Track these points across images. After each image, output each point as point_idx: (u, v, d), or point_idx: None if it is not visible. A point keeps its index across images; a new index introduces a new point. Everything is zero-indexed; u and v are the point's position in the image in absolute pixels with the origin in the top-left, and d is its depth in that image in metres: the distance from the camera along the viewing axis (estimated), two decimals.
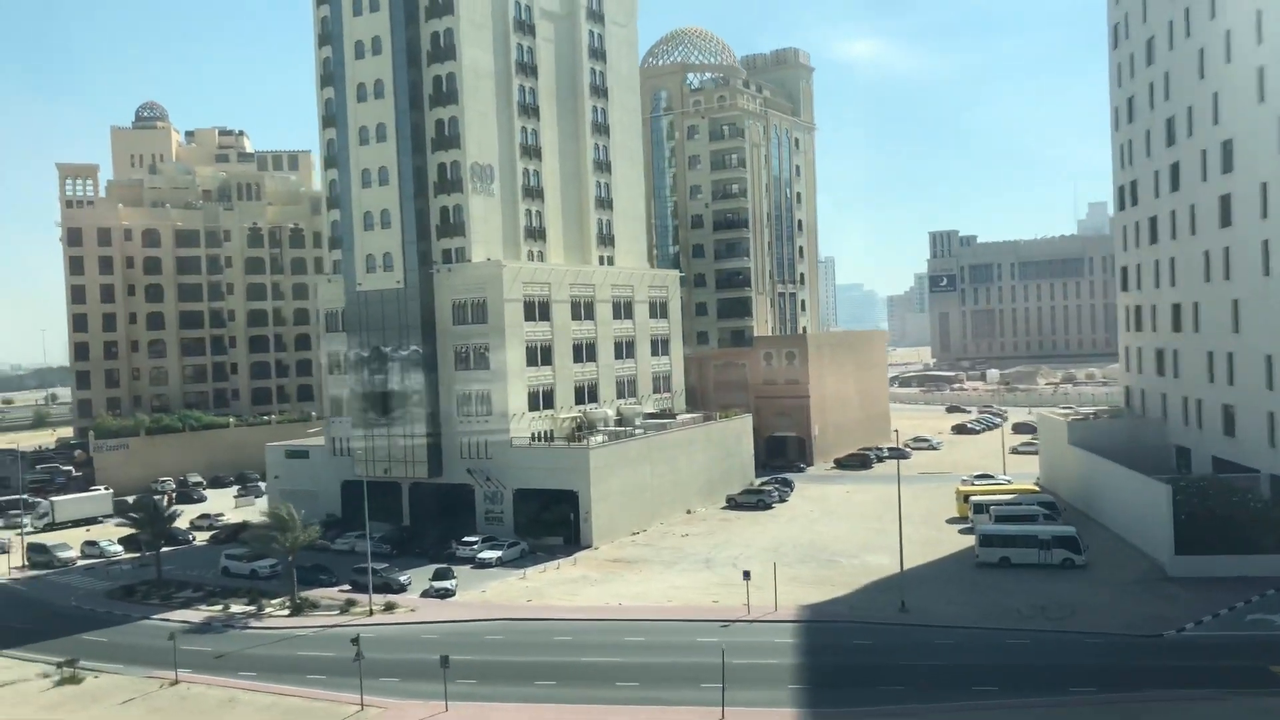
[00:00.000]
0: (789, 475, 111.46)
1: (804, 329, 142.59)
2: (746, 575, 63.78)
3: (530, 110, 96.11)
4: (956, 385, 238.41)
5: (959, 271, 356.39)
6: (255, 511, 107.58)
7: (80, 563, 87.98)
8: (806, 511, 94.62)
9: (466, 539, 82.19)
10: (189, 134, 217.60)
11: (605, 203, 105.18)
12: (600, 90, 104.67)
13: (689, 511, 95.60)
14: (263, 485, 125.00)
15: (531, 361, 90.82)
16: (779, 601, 62.92)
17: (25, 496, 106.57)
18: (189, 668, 56.17)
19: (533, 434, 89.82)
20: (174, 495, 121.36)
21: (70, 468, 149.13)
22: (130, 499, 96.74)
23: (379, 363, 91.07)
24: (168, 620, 68.00)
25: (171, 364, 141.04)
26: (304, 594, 69.83)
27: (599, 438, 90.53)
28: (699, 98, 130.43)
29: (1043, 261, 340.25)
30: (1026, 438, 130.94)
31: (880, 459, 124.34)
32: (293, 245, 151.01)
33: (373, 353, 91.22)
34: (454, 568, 74.91)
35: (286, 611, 67.97)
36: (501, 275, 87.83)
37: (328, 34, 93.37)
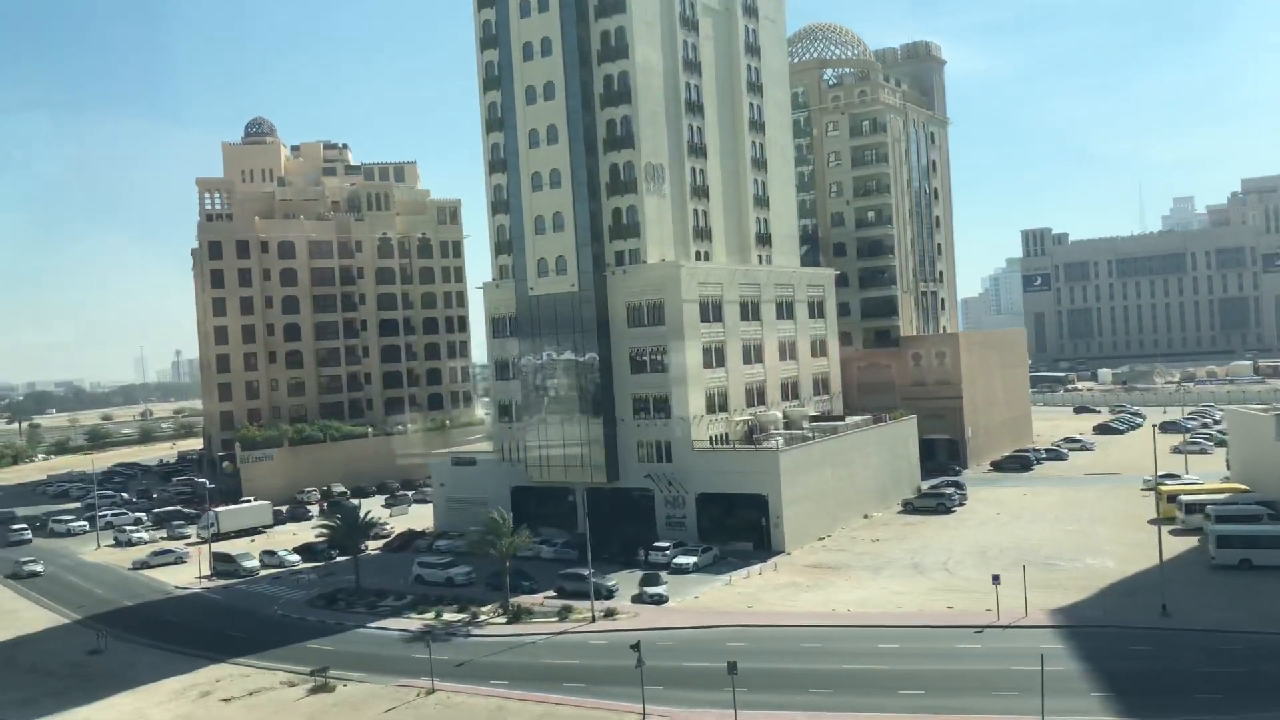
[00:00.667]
0: (956, 479, 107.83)
1: (944, 328, 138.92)
2: (996, 579, 60.92)
3: (696, 108, 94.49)
4: (1070, 386, 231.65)
5: (1053, 270, 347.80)
6: (409, 520, 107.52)
7: (263, 572, 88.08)
8: (991, 515, 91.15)
9: (658, 544, 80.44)
10: (294, 148, 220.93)
11: (763, 201, 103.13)
12: (756, 87, 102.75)
13: (866, 516, 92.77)
14: (409, 494, 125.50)
15: (707, 363, 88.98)
16: (1025, 607, 59.97)
17: (210, 509, 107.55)
18: (433, 676, 55.03)
19: (710, 437, 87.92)
20: (323, 505, 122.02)
21: (204, 479, 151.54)
22: (314, 507, 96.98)
23: (553, 367, 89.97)
24: (384, 629, 67.40)
25: (309, 375, 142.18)
26: (514, 600, 68.64)
27: (777, 440, 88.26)
28: (838, 93, 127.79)
29: (1141, 258, 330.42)
30: (1183, 437, 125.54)
31: (1039, 460, 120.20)
32: (420, 255, 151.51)
33: (546, 357, 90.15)
34: (653, 574, 73.10)
35: (503, 619, 66.75)
36: (679, 276, 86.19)
37: (492, 37, 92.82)
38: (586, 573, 72.74)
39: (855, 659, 53.96)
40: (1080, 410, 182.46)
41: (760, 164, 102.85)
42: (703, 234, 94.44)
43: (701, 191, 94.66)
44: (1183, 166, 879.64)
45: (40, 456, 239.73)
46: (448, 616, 68.47)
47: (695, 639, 59.45)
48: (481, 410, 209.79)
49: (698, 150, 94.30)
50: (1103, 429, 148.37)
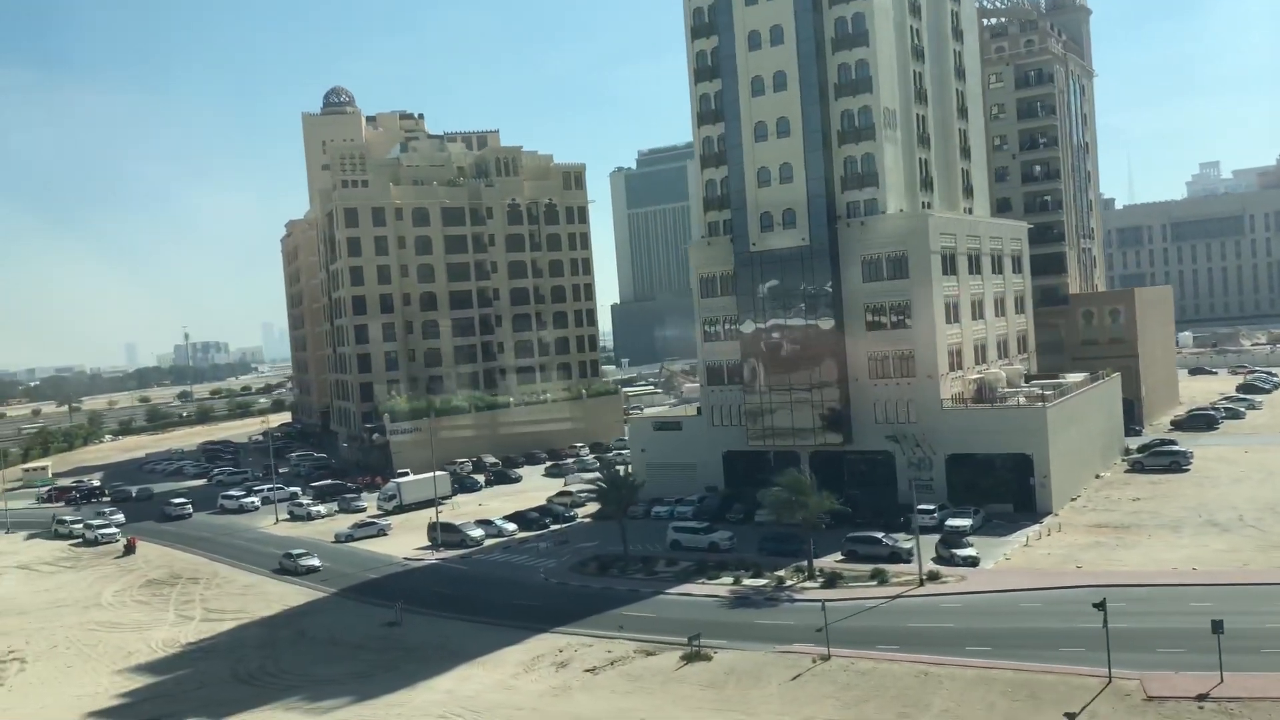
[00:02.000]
0: (1167, 438, 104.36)
1: (1096, 285, 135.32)
2: None
3: (919, 53, 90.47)
4: None
5: (1106, 236, 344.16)
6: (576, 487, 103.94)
7: (487, 541, 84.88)
8: (1234, 472, 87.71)
9: (923, 507, 76.97)
10: (370, 118, 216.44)
11: (966, 152, 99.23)
12: (958, 33, 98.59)
13: (1097, 476, 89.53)
14: (570, 462, 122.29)
15: (947, 319, 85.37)
16: None
17: (393, 481, 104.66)
18: (829, 644, 51.82)
19: (950, 396, 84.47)
20: (489, 476, 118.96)
21: (323, 454, 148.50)
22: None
23: (778, 325, 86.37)
24: (689, 594, 64.27)
25: (445, 345, 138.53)
26: (796, 565, 65.46)
27: (1020, 397, 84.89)
28: (1003, 43, 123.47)
29: (1197, 221, 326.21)
30: None
31: (1221, 419, 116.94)
32: (547, 221, 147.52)
33: (770, 315, 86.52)
34: (954, 535, 69.82)
35: (816, 584, 63.52)
36: (927, 226, 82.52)
37: None
38: (879, 535, 69.87)
39: (1268, 616, 50.69)
40: (1196, 372, 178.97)
41: (963, 113, 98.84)
42: (927, 184, 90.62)
43: (925, 140, 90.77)
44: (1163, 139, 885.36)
45: (108, 437, 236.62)
46: (749, 582, 65.26)
47: (1064, 599, 56.02)
48: (616, 378, 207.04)
49: (921, 97, 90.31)
50: (1249, 388, 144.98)
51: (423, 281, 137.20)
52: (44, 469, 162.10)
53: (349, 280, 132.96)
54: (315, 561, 79.49)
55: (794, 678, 48.29)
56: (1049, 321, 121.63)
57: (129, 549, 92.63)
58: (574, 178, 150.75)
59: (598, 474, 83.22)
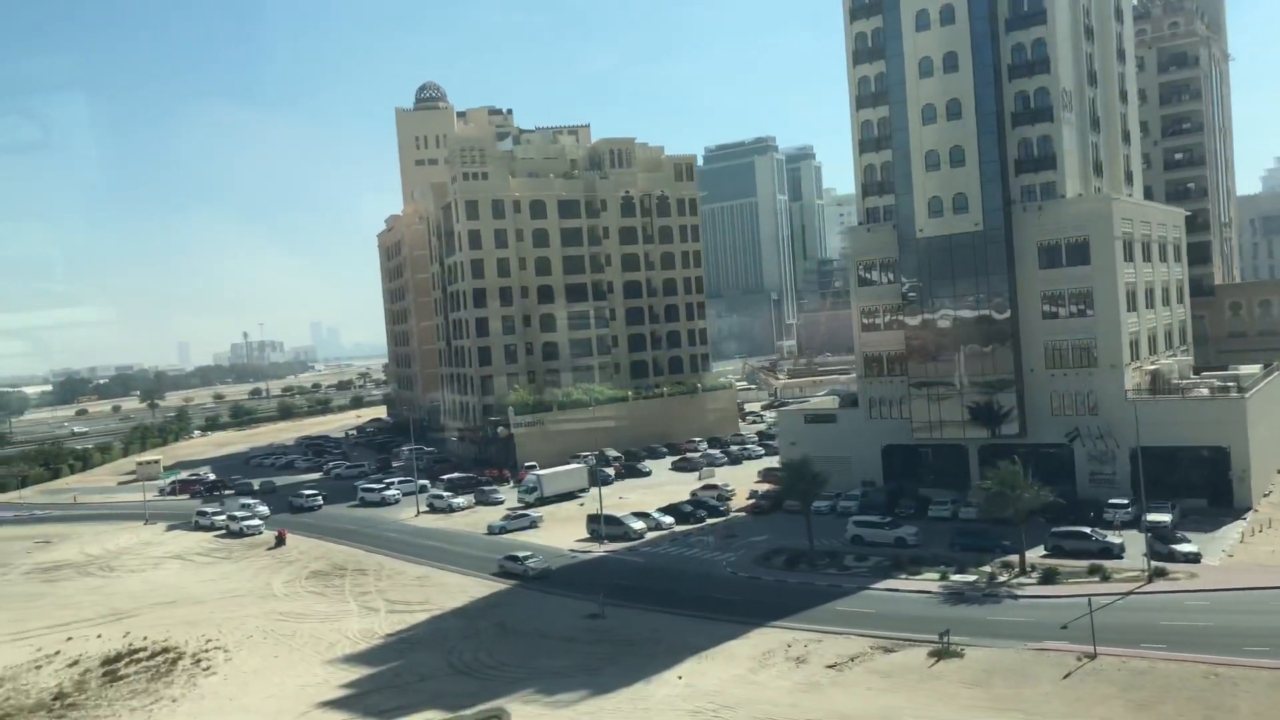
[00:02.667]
0: None
1: (1234, 276, 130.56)
2: None
3: (1089, 33, 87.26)
4: None
5: (1247, 224, 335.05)
6: (716, 483, 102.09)
7: (649, 535, 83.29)
8: None
9: (1114, 501, 74.07)
10: (460, 114, 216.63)
11: (1126, 136, 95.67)
12: (1119, 13, 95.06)
13: (1278, 471, 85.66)
14: (696, 456, 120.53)
15: (1129, 307, 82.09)
16: None
17: (534, 473, 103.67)
18: (1044, 639, 49.34)
19: (1132, 387, 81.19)
20: (619, 468, 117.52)
21: (430, 448, 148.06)
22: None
23: (947, 314, 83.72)
24: (896, 590, 62.03)
25: (561, 338, 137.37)
26: (1003, 560, 62.85)
27: (1203, 389, 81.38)
28: (1144, 25, 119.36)
29: None
30: None
31: None
32: (658, 214, 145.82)
33: (939, 303, 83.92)
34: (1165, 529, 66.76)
35: (1033, 579, 60.93)
36: (1111, 211, 79.38)
37: None
38: (1088, 530, 67.16)
39: None
40: None
41: (1123, 96, 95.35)
42: (1098, 169, 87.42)
43: (1095, 124, 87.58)
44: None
45: (196, 433, 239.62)
46: (956, 578, 62.83)
47: None
48: (728, 374, 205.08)
49: (1092, 79, 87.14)
50: None
51: (540, 275, 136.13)
52: (156, 462, 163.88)
53: (470, 273, 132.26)
54: (543, 564, 73.33)
55: (1065, 676, 45.87)
56: (1194, 312, 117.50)
57: (279, 541, 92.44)
58: (685, 169, 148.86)
59: (777, 466, 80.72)
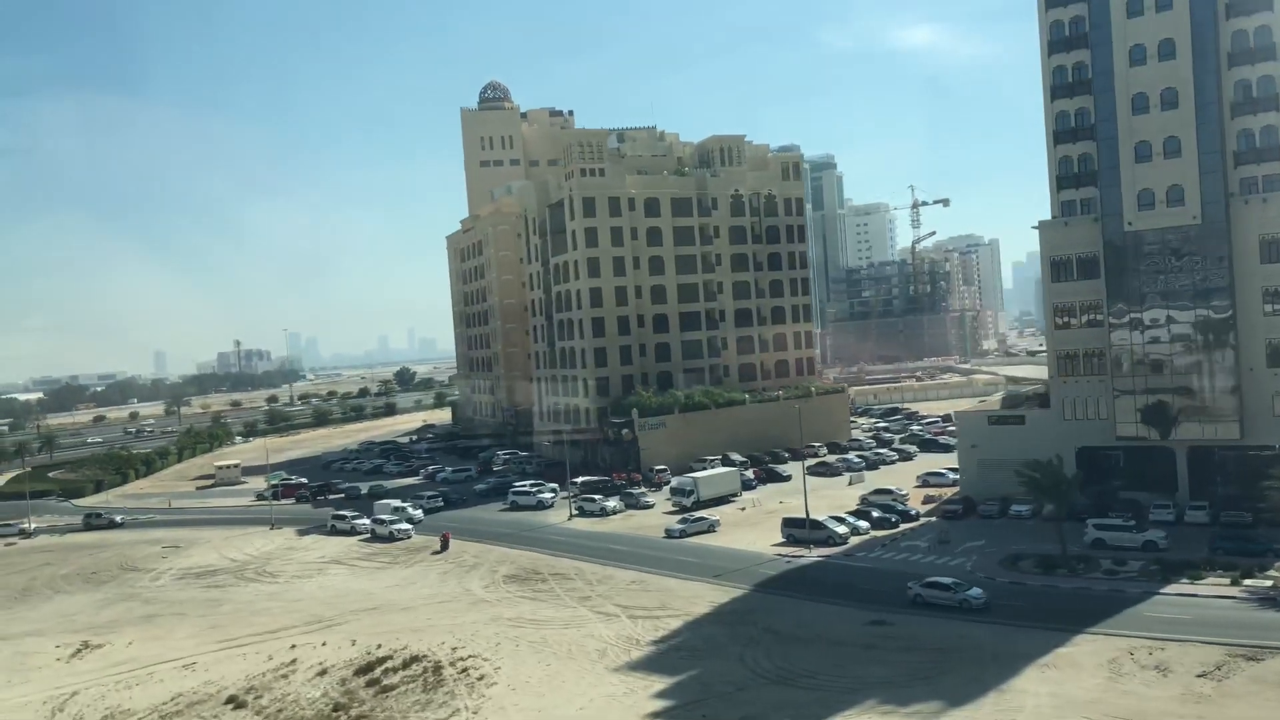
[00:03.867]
0: None
1: None
2: None
3: None
4: None
5: None
6: (866, 487, 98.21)
7: (852, 539, 79.76)
8: None
9: None
10: (522, 115, 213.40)
11: None
12: None
13: None
14: (833, 460, 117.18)
15: None
16: None
17: (689, 476, 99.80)
18: None
19: None
20: (759, 472, 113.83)
21: (524, 452, 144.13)
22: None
23: (1157, 309, 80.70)
24: (1191, 595, 58.78)
25: (674, 340, 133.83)
26: (1234, 563, 59.69)
27: None
28: None
29: None
30: None
31: None
32: (766, 213, 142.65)
33: (1149, 299, 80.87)
34: None
35: None
36: None
37: None
38: None
39: None
40: None
41: None
42: None
43: None
44: None
45: (238, 439, 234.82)
46: (1249, 582, 59.60)
47: None
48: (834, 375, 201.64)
49: None
50: None
51: (654, 274, 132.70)
52: (236, 466, 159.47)
53: (585, 272, 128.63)
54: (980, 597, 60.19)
55: None
56: None
57: (444, 545, 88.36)
58: (791, 168, 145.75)
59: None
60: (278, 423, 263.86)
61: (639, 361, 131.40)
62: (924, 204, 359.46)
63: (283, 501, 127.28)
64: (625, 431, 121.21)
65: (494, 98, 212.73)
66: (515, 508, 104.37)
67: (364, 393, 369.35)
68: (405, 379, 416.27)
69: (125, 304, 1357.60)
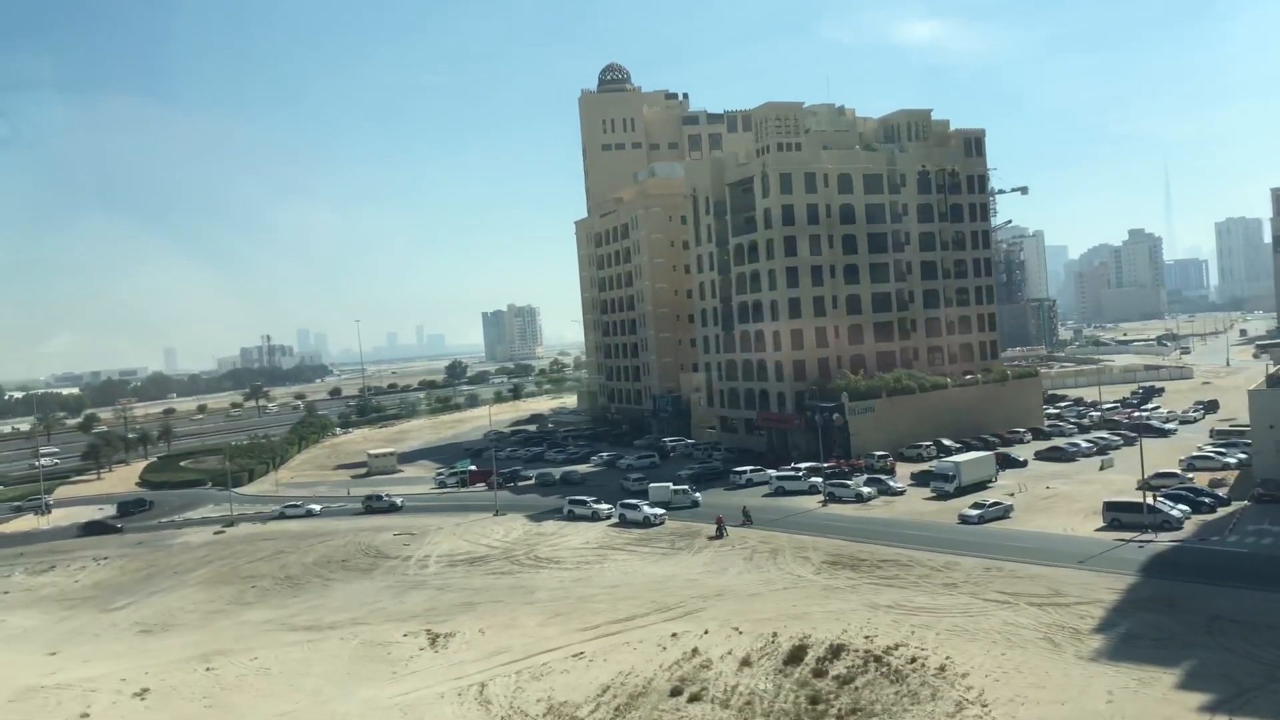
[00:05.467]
0: None
1: None
2: None
3: None
4: None
5: None
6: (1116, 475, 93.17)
7: (1186, 524, 74.85)
8: None
9: None
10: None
11: None
12: None
13: None
14: (1063, 445, 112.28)
15: None
16: None
17: (951, 460, 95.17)
18: None
19: None
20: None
21: (680, 438, 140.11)
22: None
23: None
24: None
25: (865, 322, 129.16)
26: None
27: None
28: None
29: None
30: None
31: None
32: (950, 191, 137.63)
33: None
34: None
35: None
36: None
37: None
38: None
39: None
40: None
41: None
42: None
43: None
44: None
45: (338, 431, 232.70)
46: None
47: None
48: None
49: None
50: None
51: (847, 253, 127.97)
52: (391, 454, 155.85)
53: (781, 250, 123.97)
54: None
55: None
56: None
57: (720, 531, 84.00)
58: (974, 143, 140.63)
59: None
60: (369, 414, 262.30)
61: (834, 344, 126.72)
62: (1001, 191, 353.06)
63: (474, 488, 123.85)
64: (836, 416, 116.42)
65: (615, 80, 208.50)
66: (781, 493, 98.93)
67: (428, 385, 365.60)
68: (457, 372, 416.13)
69: (134, 302, 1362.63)
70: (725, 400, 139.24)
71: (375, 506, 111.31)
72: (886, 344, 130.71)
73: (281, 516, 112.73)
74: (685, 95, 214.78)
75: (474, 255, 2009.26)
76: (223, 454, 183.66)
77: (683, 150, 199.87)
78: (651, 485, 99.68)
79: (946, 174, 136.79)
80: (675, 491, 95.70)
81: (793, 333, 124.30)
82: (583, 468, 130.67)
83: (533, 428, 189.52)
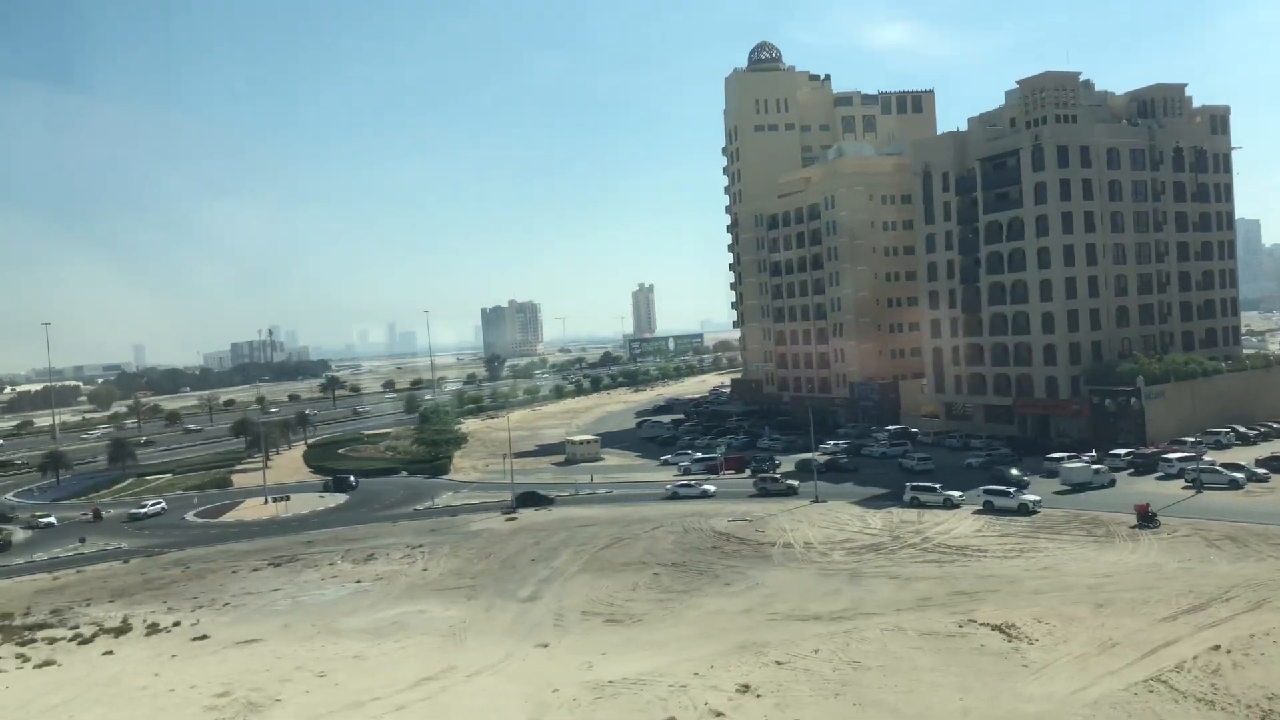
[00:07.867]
0: None
1: None
2: None
3: None
4: None
5: None
6: None
7: None
8: None
9: None
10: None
11: None
12: None
13: None
14: None
15: None
16: None
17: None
18: None
19: None
20: None
21: (900, 425, 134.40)
22: None
23: None
24: None
25: (1131, 303, 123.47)
26: None
27: None
28: None
29: None
30: None
31: None
32: (1196, 170, 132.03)
33: None
34: None
35: None
36: None
37: None
38: None
39: None
40: None
41: None
42: None
43: None
44: None
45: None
46: None
47: None
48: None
49: None
50: None
51: (1114, 232, 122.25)
52: (594, 441, 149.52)
53: (1060, 228, 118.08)
54: None
55: None
56: None
57: (1146, 518, 77.68)
58: (1220, 121, 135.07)
59: None
60: (465, 405, 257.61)
61: (1106, 327, 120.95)
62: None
63: (724, 474, 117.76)
64: (1134, 401, 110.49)
65: (767, 59, 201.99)
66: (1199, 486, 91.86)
67: (472, 379, 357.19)
68: (493, 366, 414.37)
69: (99, 299, 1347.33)
70: (964, 386, 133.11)
71: (684, 493, 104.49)
72: (1147, 328, 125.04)
73: (674, 497, 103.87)
74: (827, 76, 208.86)
75: (466, 254, 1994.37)
76: (381, 443, 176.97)
77: (836, 132, 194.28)
78: (1065, 465, 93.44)
79: (1194, 152, 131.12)
80: (1096, 471, 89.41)
81: (1069, 314, 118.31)
82: (821, 456, 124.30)
83: (666, 419, 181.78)
